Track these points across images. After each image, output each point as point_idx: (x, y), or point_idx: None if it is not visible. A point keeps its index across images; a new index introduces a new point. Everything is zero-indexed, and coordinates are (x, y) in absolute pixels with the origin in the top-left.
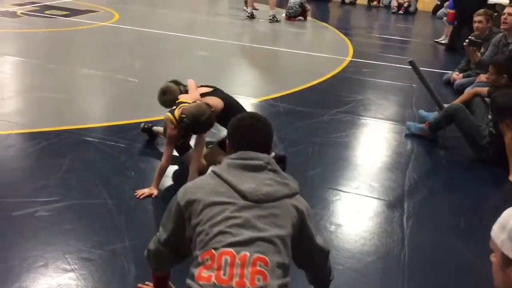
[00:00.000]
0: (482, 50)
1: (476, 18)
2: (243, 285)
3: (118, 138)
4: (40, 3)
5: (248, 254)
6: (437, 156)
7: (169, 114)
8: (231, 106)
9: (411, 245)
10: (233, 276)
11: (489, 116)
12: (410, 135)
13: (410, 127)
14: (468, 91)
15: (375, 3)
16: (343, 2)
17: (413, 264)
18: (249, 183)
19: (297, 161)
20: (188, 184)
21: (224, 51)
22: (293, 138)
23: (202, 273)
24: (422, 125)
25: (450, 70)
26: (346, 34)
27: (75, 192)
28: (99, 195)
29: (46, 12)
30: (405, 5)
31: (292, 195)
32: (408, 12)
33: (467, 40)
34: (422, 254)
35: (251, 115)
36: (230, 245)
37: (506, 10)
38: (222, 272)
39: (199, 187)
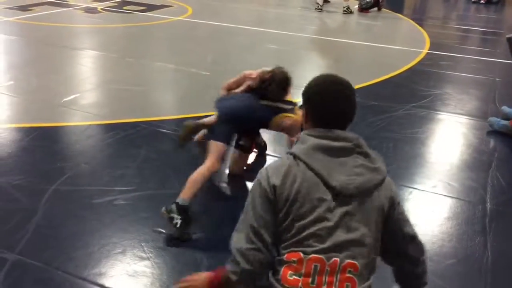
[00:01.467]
0: None
1: None
2: None
3: None
4: None
5: (338, 260)
6: None
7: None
8: None
9: (495, 249)
10: (321, 284)
11: None
12: (493, 132)
13: (493, 124)
14: None
15: None
16: None
17: (497, 270)
18: (339, 174)
19: None
20: (271, 168)
21: (295, 44)
22: (366, 133)
23: (287, 275)
24: (506, 122)
25: None
26: (422, 25)
27: (151, 182)
28: (172, 186)
29: (124, 8)
30: None
31: (382, 182)
32: (491, 2)
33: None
34: (507, 260)
35: (333, 79)
36: (322, 251)
37: None
38: (310, 279)
39: (284, 174)
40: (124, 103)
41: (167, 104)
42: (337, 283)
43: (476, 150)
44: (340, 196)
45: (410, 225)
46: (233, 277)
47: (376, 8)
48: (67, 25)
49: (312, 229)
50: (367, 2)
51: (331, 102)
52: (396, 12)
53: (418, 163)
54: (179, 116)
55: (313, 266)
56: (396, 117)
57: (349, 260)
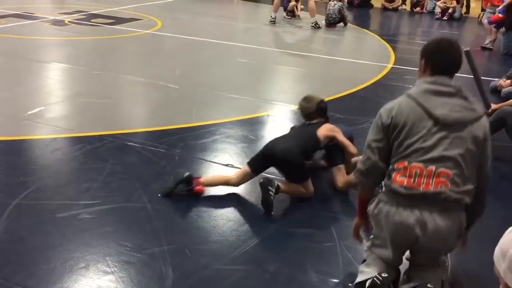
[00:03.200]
0: None
1: None
2: (427, 189)
3: (158, 143)
4: (87, 11)
5: (434, 168)
6: None
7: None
8: None
9: (454, 258)
10: (421, 183)
11: None
12: None
13: None
14: None
15: (418, 9)
16: (385, 9)
17: (455, 278)
18: (442, 108)
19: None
20: (389, 106)
21: (263, 58)
22: None
23: (397, 177)
24: None
25: (497, 78)
26: (387, 41)
27: (117, 195)
28: (139, 199)
29: (93, 20)
30: (450, 11)
31: (477, 119)
32: (453, 18)
33: None
34: (465, 267)
35: (447, 39)
36: (421, 161)
37: None
38: (412, 179)
39: (393, 111)
40: (91, 116)
41: (134, 117)
42: (433, 183)
43: None
44: (440, 124)
45: (490, 163)
46: (361, 167)
47: (342, 24)
48: (34, 37)
49: (416, 146)
50: (334, 17)
51: (446, 53)
52: (363, 27)
53: None
54: (147, 129)
55: (414, 171)
56: (362, 129)
57: (442, 169)
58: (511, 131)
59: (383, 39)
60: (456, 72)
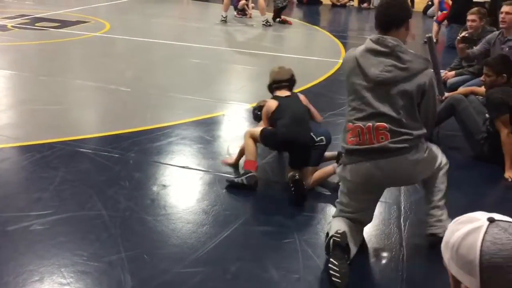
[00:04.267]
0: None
1: (470, 17)
2: (371, 143)
3: (112, 148)
4: (30, 15)
5: (371, 124)
6: None
7: None
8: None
9: (409, 246)
10: (365, 139)
11: (486, 115)
12: None
13: None
14: (464, 89)
15: (365, 5)
16: (333, 5)
17: (411, 266)
18: (375, 68)
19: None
20: (345, 59)
21: (216, 57)
22: None
23: (349, 138)
24: None
25: (442, 70)
26: (337, 37)
27: (70, 204)
28: (93, 207)
29: (37, 24)
30: None
31: (409, 77)
32: None
33: (459, 37)
34: (420, 255)
35: None
36: (359, 119)
37: (504, 9)
38: (358, 138)
39: (346, 66)
40: (39, 124)
41: (85, 123)
42: (374, 137)
43: None
44: (372, 83)
45: (433, 112)
46: None
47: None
48: None
49: (353, 105)
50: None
51: (384, 9)
52: (313, 24)
53: None
54: (98, 134)
55: (357, 130)
56: (318, 125)
57: (378, 123)
58: (459, 118)
59: (333, 35)
60: (397, 28)
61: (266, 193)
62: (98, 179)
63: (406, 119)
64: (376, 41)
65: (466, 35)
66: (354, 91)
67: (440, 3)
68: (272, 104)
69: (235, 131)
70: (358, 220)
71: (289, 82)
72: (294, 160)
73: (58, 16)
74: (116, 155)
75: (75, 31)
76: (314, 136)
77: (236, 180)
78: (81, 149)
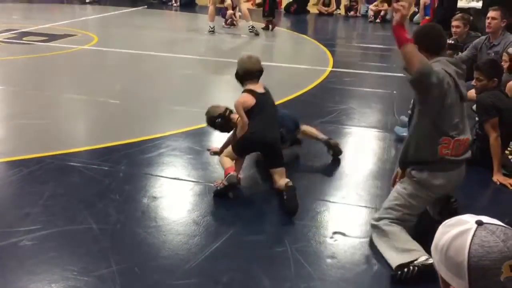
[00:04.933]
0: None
1: (454, 23)
2: (459, 155)
3: (101, 161)
4: (17, 30)
5: (467, 137)
6: None
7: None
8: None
9: None
10: (459, 152)
11: (476, 119)
12: (397, 140)
13: (397, 131)
14: None
15: (352, 13)
16: (320, 14)
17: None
18: (463, 88)
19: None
20: (442, 74)
21: (204, 68)
22: None
23: (442, 150)
24: (405, 130)
25: None
26: (325, 45)
27: (59, 218)
28: (84, 221)
29: (24, 38)
30: (382, 13)
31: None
32: (386, 20)
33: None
34: None
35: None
36: (458, 134)
37: (489, 14)
38: (454, 150)
39: (445, 81)
40: (27, 138)
41: (74, 136)
42: (463, 149)
43: (380, 159)
44: (463, 101)
45: None
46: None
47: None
48: None
49: (451, 119)
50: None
51: (442, 33)
52: (301, 33)
53: (328, 176)
54: (87, 147)
55: (456, 144)
56: None
57: (465, 138)
58: None
59: (321, 43)
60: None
61: (256, 202)
62: (88, 193)
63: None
64: (455, 64)
65: (452, 41)
66: (450, 107)
67: (425, 8)
68: (250, 100)
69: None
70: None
71: (261, 73)
72: (272, 161)
73: (45, 30)
74: (106, 168)
75: (62, 45)
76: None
77: (218, 187)
78: (70, 163)
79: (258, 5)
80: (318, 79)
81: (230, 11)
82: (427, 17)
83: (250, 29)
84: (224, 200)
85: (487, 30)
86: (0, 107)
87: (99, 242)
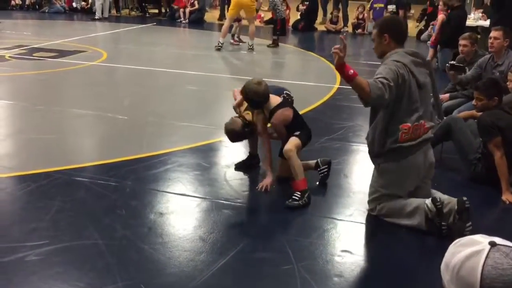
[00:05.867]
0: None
1: (462, 42)
2: (420, 136)
3: (109, 177)
4: (28, 46)
5: (423, 121)
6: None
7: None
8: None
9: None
10: (418, 134)
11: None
12: None
13: None
14: (464, 113)
15: (360, 31)
16: (328, 31)
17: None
18: (420, 76)
19: (290, 191)
20: (398, 66)
21: (213, 84)
22: None
23: (402, 136)
24: None
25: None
26: (332, 62)
27: (66, 234)
28: (90, 236)
29: (35, 54)
30: None
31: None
32: None
33: (448, 64)
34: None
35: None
36: (418, 119)
37: (492, 34)
38: (413, 135)
39: (400, 72)
40: (36, 153)
41: (82, 151)
42: (422, 131)
43: None
44: (420, 88)
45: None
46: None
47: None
48: None
49: (410, 107)
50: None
51: (403, 27)
52: (308, 50)
53: (335, 194)
54: (95, 162)
55: (414, 129)
56: (313, 150)
57: (424, 121)
58: (455, 137)
59: (328, 60)
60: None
61: (262, 219)
62: (95, 208)
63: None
64: (413, 54)
65: (454, 62)
66: (409, 95)
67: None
68: (289, 113)
69: (232, 157)
70: None
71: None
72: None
73: (55, 46)
74: (113, 184)
75: (72, 61)
76: None
77: (300, 202)
78: (78, 178)
79: (266, 22)
80: (325, 96)
81: (235, 25)
82: (435, 34)
83: (250, 47)
84: (231, 216)
85: (490, 50)
86: (9, 122)
87: (105, 257)
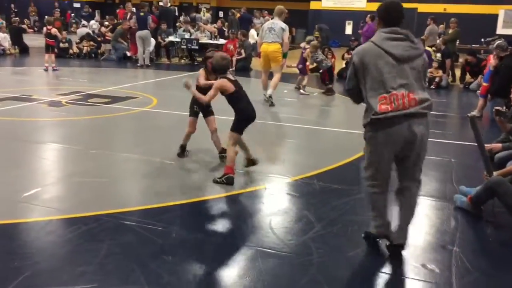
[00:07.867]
0: None
1: None
2: (405, 108)
3: (156, 221)
4: (83, 92)
5: (403, 92)
6: (483, 233)
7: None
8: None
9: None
10: (399, 105)
11: None
12: (458, 209)
13: (456, 200)
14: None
15: None
16: None
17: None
18: (396, 49)
19: (336, 241)
20: (359, 50)
21: (257, 131)
22: (331, 217)
23: (381, 106)
24: (465, 199)
25: (488, 144)
26: None
27: (113, 278)
28: (136, 281)
29: (89, 100)
30: (437, 80)
31: (420, 55)
32: (440, 87)
33: (493, 110)
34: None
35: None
36: (393, 89)
37: None
38: (392, 104)
39: (366, 52)
40: (87, 196)
41: (131, 195)
42: (407, 102)
43: (439, 230)
44: (397, 61)
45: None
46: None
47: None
48: (30, 119)
49: (384, 77)
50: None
51: (393, 8)
52: None
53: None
54: (143, 206)
55: (392, 98)
56: (359, 199)
57: (409, 92)
58: (502, 200)
59: None
60: (401, 22)
61: (305, 271)
62: (142, 252)
63: (423, 88)
64: (390, 32)
65: (500, 108)
66: (380, 71)
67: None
68: (230, 86)
69: (277, 204)
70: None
71: (229, 68)
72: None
73: (109, 92)
74: (160, 228)
75: (124, 106)
76: None
77: (218, 180)
78: (126, 222)
79: (312, 70)
80: None
81: (300, 77)
82: (484, 84)
83: (269, 98)
84: (273, 266)
85: None
86: (62, 165)
87: None
